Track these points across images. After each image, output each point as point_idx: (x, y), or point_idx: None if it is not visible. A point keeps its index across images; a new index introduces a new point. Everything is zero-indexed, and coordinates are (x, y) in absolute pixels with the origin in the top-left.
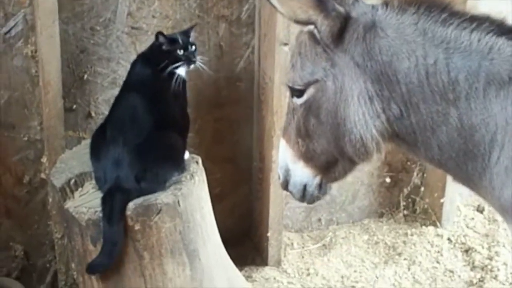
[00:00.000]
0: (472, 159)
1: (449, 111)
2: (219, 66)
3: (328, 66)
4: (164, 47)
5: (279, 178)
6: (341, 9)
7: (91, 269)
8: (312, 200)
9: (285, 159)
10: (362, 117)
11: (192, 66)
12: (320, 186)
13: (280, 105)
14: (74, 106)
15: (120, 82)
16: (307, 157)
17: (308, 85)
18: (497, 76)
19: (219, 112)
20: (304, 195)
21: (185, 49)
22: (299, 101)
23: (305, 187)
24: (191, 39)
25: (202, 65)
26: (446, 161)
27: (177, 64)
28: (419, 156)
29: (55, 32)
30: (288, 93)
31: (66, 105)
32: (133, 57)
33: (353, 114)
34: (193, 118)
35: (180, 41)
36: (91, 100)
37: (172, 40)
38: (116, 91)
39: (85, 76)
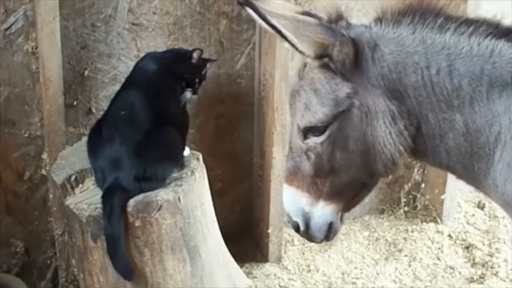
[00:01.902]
0: (478, 160)
1: (455, 117)
2: (220, 63)
3: (352, 93)
4: (194, 61)
5: (296, 229)
6: (345, 33)
7: (125, 277)
8: (334, 236)
9: (299, 206)
10: (390, 137)
11: (195, 96)
12: (341, 218)
13: (280, 102)
14: (75, 103)
15: (121, 78)
16: (332, 193)
17: (334, 118)
18: (500, 79)
19: (219, 108)
20: (328, 234)
21: (200, 81)
22: (318, 139)
23: (330, 225)
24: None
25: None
26: (454, 164)
27: (188, 89)
28: (427, 161)
29: (56, 29)
30: (296, 136)
31: (66, 102)
32: (134, 53)
33: (381, 136)
34: (194, 115)
35: (204, 71)
36: (91, 97)
37: (200, 66)
38: (117, 88)
39: (86, 73)
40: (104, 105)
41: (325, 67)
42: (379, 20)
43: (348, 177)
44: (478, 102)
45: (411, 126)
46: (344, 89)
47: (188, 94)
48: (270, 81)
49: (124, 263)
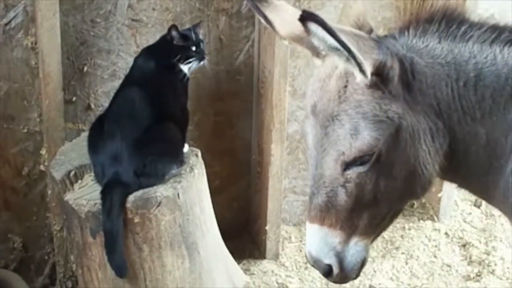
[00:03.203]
0: (493, 173)
1: (478, 130)
2: (219, 59)
3: (401, 114)
4: (176, 41)
5: (328, 272)
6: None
7: (118, 273)
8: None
9: (331, 246)
10: (429, 157)
11: (202, 63)
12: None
13: (279, 99)
14: (74, 98)
15: (120, 74)
16: (367, 226)
17: (385, 143)
18: None
19: (218, 105)
20: (360, 270)
21: (197, 45)
22: (363, 168)
23: (363, 261)
24: (200, 36)
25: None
26: (472, 178)
27: (189, 60)
28: (446, 178)
29: (56, 24)
30: (330, 169)
31: (65, 97)
32: (133, 49)
33: (422, 157)
34: (193, 111)
35: (193, 37)
36: (90, 92)
37: (185, 36)
38: (116, 83)
39: (85, 68)
40: (103, 101)
41: (374, 86)
42: (405, 29)
43: (387, 206)
44: (496, 112)
45: (444, 144)
46: (393, 109)
47: (193, 65)
48: (269, 78)
49: (120, 259)
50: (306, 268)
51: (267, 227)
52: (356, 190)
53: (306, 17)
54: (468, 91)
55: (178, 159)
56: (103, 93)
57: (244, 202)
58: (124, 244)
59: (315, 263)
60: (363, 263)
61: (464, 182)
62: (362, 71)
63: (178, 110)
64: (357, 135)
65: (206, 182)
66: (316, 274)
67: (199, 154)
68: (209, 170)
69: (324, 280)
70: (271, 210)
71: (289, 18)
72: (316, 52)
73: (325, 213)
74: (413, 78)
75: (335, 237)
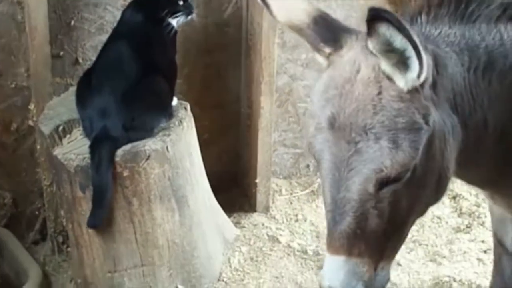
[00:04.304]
0: (502, 163)
1: (486, 117)
2: (207, 12)
3: (435, 116)
4: None
5: None
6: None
7: (90, 223)
8: None
9: (359, 277)
10: (451, 157)
11: (190, 17)
12: None
13: (268, 51)
14: (61, 53)
15: (108, 28)
16: (396, 247)
17: (421, 153)
18: None
19: (207, 58)
20: None
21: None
22: (398, 185)
23: (387, 281)
24: None
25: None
26: (481, 174)
27: (177, 15)
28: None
29: None
30: (359, 191)
31: (53, 52)
32: (121, 2)
33: (447, 159)
34: (181, 64)
35: None
36: (78, 47)
37: None
38: (103, 37)
39: (72, 22)
40: (91, 55)
41: (414, 90)
42: (417, 16)
43: (414, 219)
44: (502, 97)
45: (459, 139)
46: (430, 113)
47: (180, 19)
48: (257, 30)
49: (101, 212)
50: (296, 220)
51: (257, 180)
52: (390, 210)
53: (377, 16)
54: (477, 77)
55: (167, 112)
56: (90, 47)
57: (234, 155)
58: (113, 198)
59: None
60: (386, 284)
61: (472, 175)
62: (418, 74)
63: (166, 63)
64: (397, 149)
65: (195, 135)
66: (307, 226)
67: (188, 107)
68: (198, 123)
69: (315, 233)
70: (261, 163)
71: (290, 4)
72: (317, 48)
73: (354, 241)
74: (437, 73)
75: (363, 266)
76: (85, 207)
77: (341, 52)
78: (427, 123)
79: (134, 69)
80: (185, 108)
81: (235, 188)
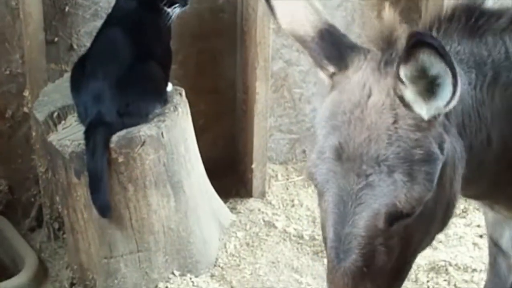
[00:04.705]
0: (504, 177)
1: (490, 134)
2: None
3: (448, 143)
4: None
5: None
6: None
7: (101, 213)
8: None
9: None
10: (459, 185)
11: (184, 8)
12: None
13: (263, 36)
14: (56, 39)
15: (102, 14)
16: (402, 280)
17: (437, 184)
18: None
19: (202, 43)
20: None
21: None
22: (409, 219)
23: None
24: None
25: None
26: (483, 193)
27: (174, 6)
28: None
29: None
30: (367, 228)
31: (47, 38)
32: None
33: (455, 187)
34: (176, 50)
35: None
36: (73, 33)
37: None
38: (98, 23)
39: (67, 8)
40: (86, 41)
41: (433, 118)
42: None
43: (421, 250)
44: (503, 110)
45: (464, 162)
46: (445, 140)
47: (176, 10)
48: (252, 15)
49: (104, 199)
50: (292, 205)
51: (253, 166)
52: (400, 246)
53: (422, 42)
54: (483, 94)
55: (162, 98)
56: (85, 33)
57: (230, 140)
58: (108, 184)
59: None
60: None
61: (471, 190)
62: (448, 102)
63: (161, 49)
64: (412, 183)
65: (190, 121)
66: (303, 212)
67: (183, 93)
68: (193, 109)
69: (311, 218)
70: (256, 149)
71: (297, 12)
72: (320, 64)
73: (359, 280)
74: None
75: None
76: (80, 193)
77: (347, 73)
78: (442, 152)
79: (128, 55)
80: (180, 94)
81: (231, 173)
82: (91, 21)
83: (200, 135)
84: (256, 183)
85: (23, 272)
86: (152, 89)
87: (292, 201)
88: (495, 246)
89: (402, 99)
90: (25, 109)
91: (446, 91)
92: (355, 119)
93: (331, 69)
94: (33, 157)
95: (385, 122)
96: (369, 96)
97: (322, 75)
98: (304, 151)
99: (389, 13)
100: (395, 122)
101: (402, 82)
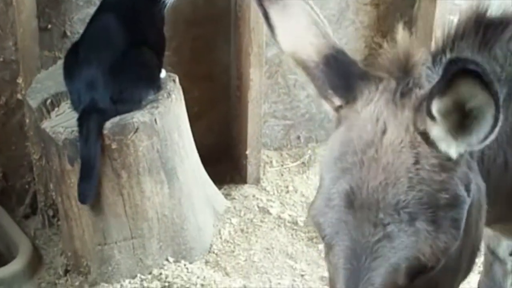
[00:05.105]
0: None
1: (508, 156)
2: None
3: (474, 182)
4: None
5: None
6: None
7: (81, 199)
8: None
9: None
10: (483, 226)
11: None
12: None
13: (257, 22)
14: (49, 26)
15: (95, 0)
16: None
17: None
18: None
19: (196, 30)
20: None
21: None
22: (432, 271)
23: None
24: None
25: None
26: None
27: None
28: None
29: None
30: (390, 283)
31: (40, 25)
32: None
33: (480, 230)
34: (170, 37)
35: None
36: (66, 20)
37: None
38: (91, 10)
39: None
40: (79, 28)
41: (460, 156)
42: (440, 55)
43: None
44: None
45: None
46: (470, 180)
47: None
48: (246, 1)
49: (91, 187)
50: (287, 192)
51: (247, 152)
52: None
53: (465, 70)
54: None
55: (155, 84)
56: (78, 20)
57: (224, 127)
58: (102, 171)
59: None
60: None
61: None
62: (486, 137)
63: (155, 35)
64: (437, 231)
65: (184, 108)
66: (297, 198)
67: (177, 79)
68: (188, 96)
69: (306, 204)
70: (251, 135)
71: (301, 33)
72: (324, 95)
73: None
74: None
75: None
76: (74, 180)
77: (356, 106)
78: (469, 194)
79: (122, 42)
80: (174, 81)
81: (225, 160)
82: (84, 8)
83: (194, 122)
84: (250, 170)
85: (17, 259)
86: (146, 76)
87: (287, 187)
88: (492, 255)
89: (425, 135)
90: (19, 96)
91: (484, 125)
92: (368, 159)
93: (337, 101)
94: (27, 144)
95: (404, 162)
96: (384, 133)
97: (326, 106)
98: (299, 137)
99: (403, 36)
100: (416, 162)
101: (432, 118)
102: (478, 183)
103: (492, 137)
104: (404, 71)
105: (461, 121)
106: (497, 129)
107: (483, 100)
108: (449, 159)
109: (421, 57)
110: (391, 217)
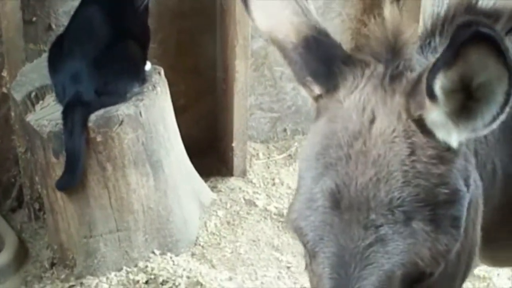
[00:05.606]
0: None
1: (495, 162)
2: None
3: (475, 177)
4: None
5: None
6: None
7: (59, 186)
8: None
9: None
10: (479, 229)
11: None
12: None
13: (242, 15)
14: (34, 18)
15: None
16: None
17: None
18: None
19: (181, 22)
20: None
21: None
22: (431, 278)
23: None
24: None
25: None
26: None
27: None
28: None
29: None
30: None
31: (25, 17)
32: None
33: (477, 232)
34: (155, 29)
35: None
36: (51, 12)
37: None
38: (76, 3)
39: None
40: (64, 21)
41: (460, 145)
42: (429, 38)
43: None
44: (506, 133)
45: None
46: (469, 174)
47: None
48: None
49: (73, 177)
50: (273, 184)
51: (233, 144)
52: None
53: (482, 35)
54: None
55: (139, 77)
56: (63, 12)
57: (210, 120)
58: (87, 163)
59: None
60: None
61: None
62: (496, 116)
63: (139, 27)
64: (437, 232)
65: (169, 100)
66: (284, 190)
67: (162, 72)
68: (173, 88)
69: (291, 196)
70: (237, 127)
71: (279, 10)
72: (302, 82)
73: None
74: None
75: None
76: (59, 172)
77: (338, 96)
78: (468, 189)
79: (106, 34)
80: (159, 73)
81: (212, 152)
82: (69, 1)
83: (180, 114)
84: (237, 162)
85: (3, 252)
86: (130, 68)
87: (273, 179)
88: None
89: (420, 123)
90: (4, 90)
91: (492, 105)
92: (355, 153)
93: (317, 90)
94: (12, 138)
95: (397, 154)
96: (372, 122)
97: (305, 92)
98: (285, 130)
99: (391, 11)
100: (411, 154)
101: (433, 98)
102: (475, 179)
103: (502, 117)
104: (393, 52)
105: (465, 103)
106: (507, 109)
107: (494, 74)
108: (447, 149)
109: (412, 35)
110: (384, 217)
